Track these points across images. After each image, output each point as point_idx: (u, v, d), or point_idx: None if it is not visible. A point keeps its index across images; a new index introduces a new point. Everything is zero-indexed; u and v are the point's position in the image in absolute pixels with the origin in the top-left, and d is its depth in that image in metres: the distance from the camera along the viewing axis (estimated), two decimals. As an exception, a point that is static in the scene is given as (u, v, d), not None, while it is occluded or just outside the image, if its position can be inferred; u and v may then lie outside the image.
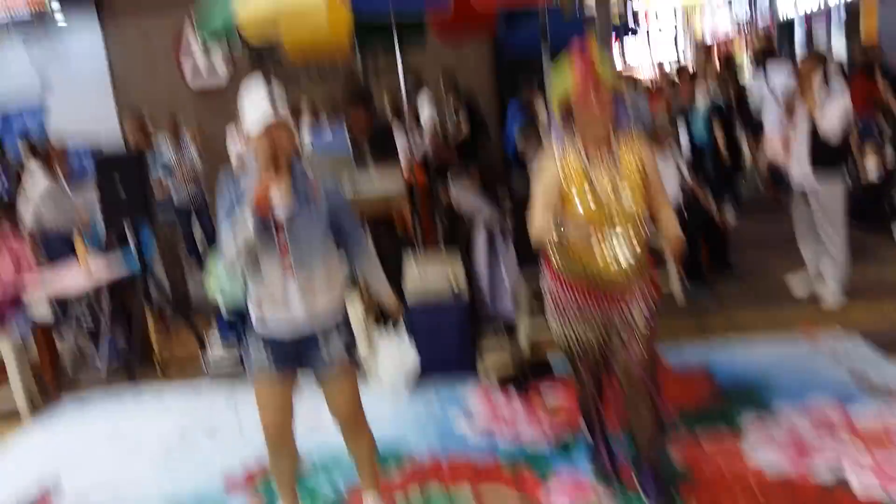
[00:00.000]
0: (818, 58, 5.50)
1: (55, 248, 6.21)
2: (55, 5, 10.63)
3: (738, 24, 18.88)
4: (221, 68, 11.73)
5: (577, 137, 2.96)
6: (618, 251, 2.91)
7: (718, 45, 19.67)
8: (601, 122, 2.87)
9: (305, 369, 2.98)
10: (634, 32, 17.36)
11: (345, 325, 2.99)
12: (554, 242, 2.98)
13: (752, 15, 17.85)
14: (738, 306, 5.58)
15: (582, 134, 2.93)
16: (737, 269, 6.30)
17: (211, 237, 7.00)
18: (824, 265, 5.46)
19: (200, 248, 7.55)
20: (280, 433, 3.02)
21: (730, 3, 18.70)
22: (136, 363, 5.40)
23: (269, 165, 2.68)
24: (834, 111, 5.08)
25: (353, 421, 3.09)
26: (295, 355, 2.92)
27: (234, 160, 8.08)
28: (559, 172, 2.94)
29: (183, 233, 7.84)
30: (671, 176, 6.20)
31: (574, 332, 3.08)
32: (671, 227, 3.01)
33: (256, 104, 2.71)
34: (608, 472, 3.37)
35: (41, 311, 5.55)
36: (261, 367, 2.92)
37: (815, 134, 5.17)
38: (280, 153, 2.70)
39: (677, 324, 5.39)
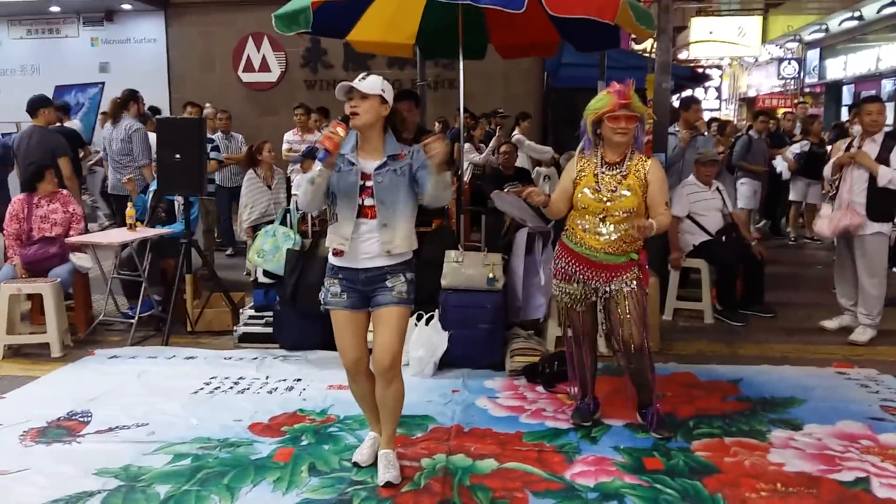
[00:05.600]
0: (882, 103, 5.49)
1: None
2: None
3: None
4: (274, 65, 12.02)
5: (599, 147, 3.68)
6: (606, 236, 3.59)
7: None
8: (622, 137, 3.57)
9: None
10: (704, 80, 17.69)
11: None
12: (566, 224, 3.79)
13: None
14: (769, 338, 5.57)
15: (605, 144, 3.64)
16: (771, 307, 6.23)
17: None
18: (860, 309, 5.47)
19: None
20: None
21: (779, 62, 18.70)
22: (168, 322, 5.48)
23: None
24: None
25: (390, 365, 3.17)
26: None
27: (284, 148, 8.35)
28: (575, 171, 3.69)
29: (219, 211, 8.24)
30: (713, 206, 6.25)
31: (569, 290, 3.78)
32: (656, 217, 3.58)
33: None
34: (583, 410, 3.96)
35: (84, 262, 5.71)
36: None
37: (871, 182, 5.23)
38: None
39: (707, 345, 5.41)
